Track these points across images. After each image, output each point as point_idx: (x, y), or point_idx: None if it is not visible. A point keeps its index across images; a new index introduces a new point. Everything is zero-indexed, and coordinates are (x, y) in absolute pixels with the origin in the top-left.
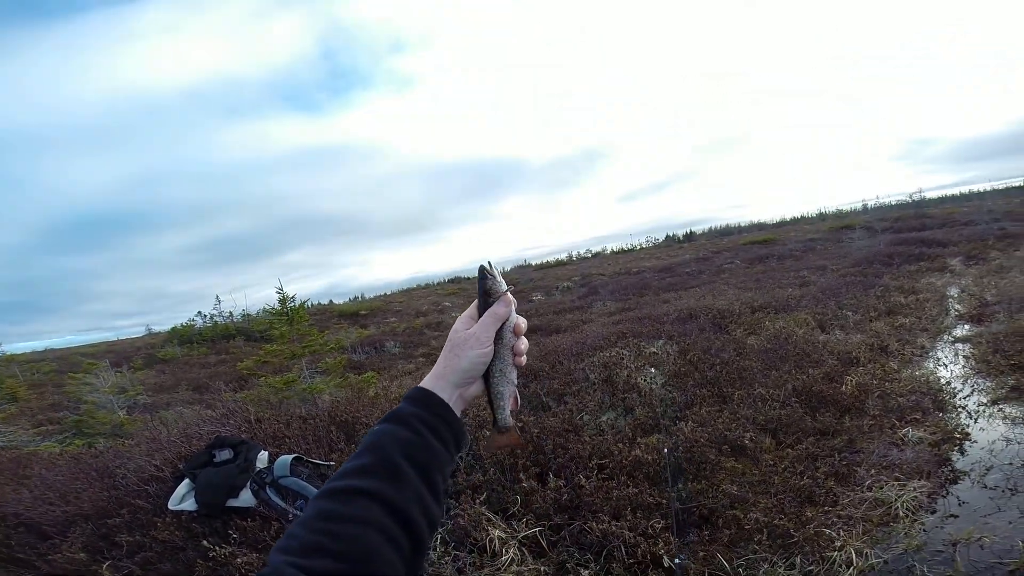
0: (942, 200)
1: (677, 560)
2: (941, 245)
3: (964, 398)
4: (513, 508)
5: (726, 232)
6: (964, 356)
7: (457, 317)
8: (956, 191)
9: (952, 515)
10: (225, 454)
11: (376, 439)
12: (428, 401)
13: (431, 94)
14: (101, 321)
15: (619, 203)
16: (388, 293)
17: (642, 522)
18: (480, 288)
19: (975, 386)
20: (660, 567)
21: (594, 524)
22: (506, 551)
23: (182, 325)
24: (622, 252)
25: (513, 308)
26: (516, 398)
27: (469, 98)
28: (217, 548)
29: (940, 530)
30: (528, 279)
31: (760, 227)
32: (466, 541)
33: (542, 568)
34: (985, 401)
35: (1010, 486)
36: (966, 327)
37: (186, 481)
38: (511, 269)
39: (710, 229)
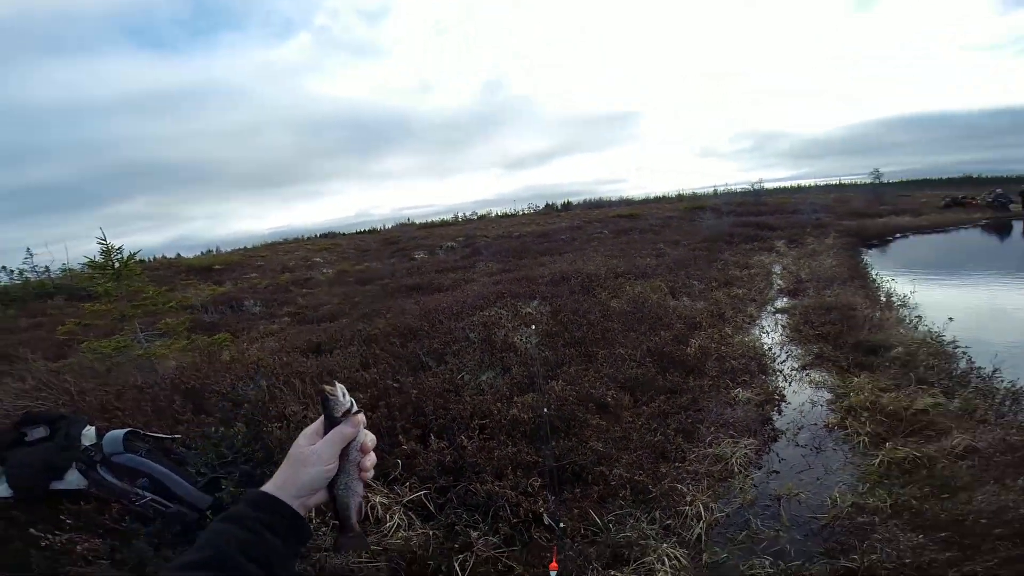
0: (777, 191)
1: (561, 524)
2: (771, 229)
3: (781, 363)
4: (394, 472)
5: (598, 205)
6: (782, 325)
7: (327, 274)
8: (790, 183)
9: (774, 471)
10: (39, 432)
11: (213, 537)
12: (265, 504)
13: (317, 43)
14: None
15: (507, 169)
16: (249, 247)
17: (523, 481)
18: (325, 412)
19: (789, 352)
20: (541, 524)
21: (479, 485)
22: (391, 517)
23: None
24: (505, 216)
25: (361, 428)
26: (361, 507)
27: (355, 45)
28: (50, 536)
29: (766, 485)
30: (411, 237)
31: (628, 203)
32: None
33: (431, 532)
34: (796, 366)
35: (816, 445)
36: (785, 300)
37: None
38: (392, 227)
39: (585, 201)
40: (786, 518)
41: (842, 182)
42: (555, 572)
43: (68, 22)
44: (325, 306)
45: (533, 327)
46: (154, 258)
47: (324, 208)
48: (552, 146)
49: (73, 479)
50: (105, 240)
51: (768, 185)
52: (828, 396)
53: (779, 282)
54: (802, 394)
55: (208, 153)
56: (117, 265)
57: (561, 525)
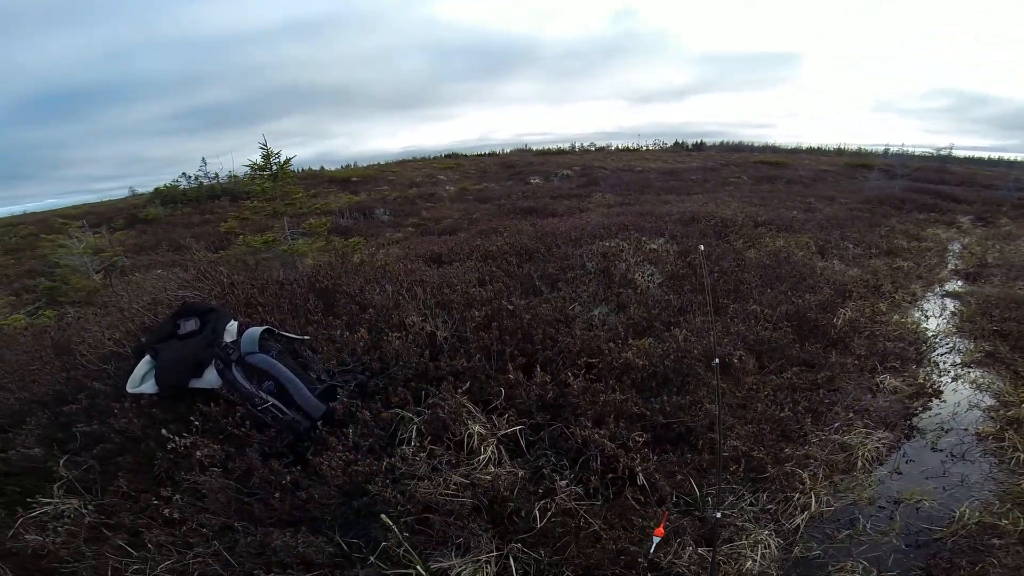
0: (969, 160)
1: (718, 514)
2: (955, 201)
3: (941, 356)
4: (496, 401)
5: (738, 148)
6: (951, 312)
7: (449, 191)
8: (990, 155)
9: (898, 471)
10: (191, 324)
11: None
12: None
13: None
14: (81, 184)
15: (633, 103)
16: (383, 163)
17: (623, 432)
18: None
19: (953, 345)
20: (635, 484)
21: (576, 429)
22: (485, 449)
23: (166, 186)
24: (627, 150)
25: None
26: None
27: None
28: (177, 438)
29: (887, 485)
30: (528, 163)
31: (775, 150)
32: (443, 435)
33: (519, 471)
34: (959, 362)
35: (959, 453)
36: (959, 283)
37: (147, 358)
38: (510, 151)
39: (722, 143)
40: (898, 524)
41: None
42: (658, 538)
43: None
44: (447, 220)
45: (652, 267)
46: (301, 169)
47: (449, 130)
48: (688, 83)
49: (210, 378)
50: (266, 145)
51: (960, 153)
52: (990, 402)
53: (955, 262)
54: (960, 394)
55: (350, 76)
56: (275, 168)
57: (718, 515)
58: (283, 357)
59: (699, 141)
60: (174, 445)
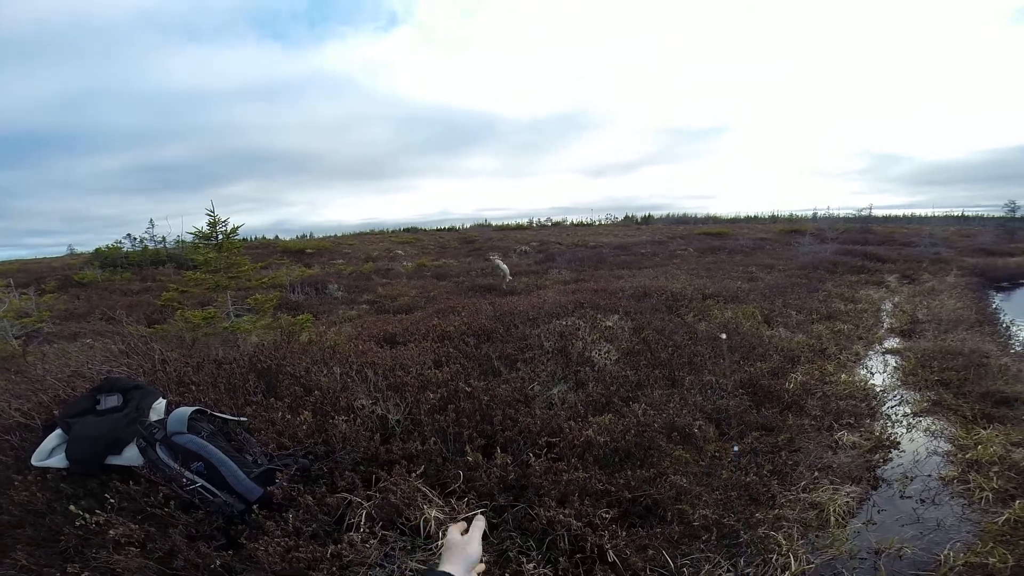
0: (887, 219)
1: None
2: (881, 261)
3: (892, 408)
4: (454, 484)
5: (683, 220)
6: (894, 367)
7: (407, 266)
8: (904, 212)
9: (872, 522)
10: (113, 400)
11: None
12: None
13: (416, 37)
14: (15, 238)
15: (586, 177)
16: (340, 235)
17: (589, 510)
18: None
19: (901, 397)
20: (605, 562)
21: (540, 510)
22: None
23: (108, 247)
24: (581, 225)
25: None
26: None
27: (453, 43)
28: (88, 515)
29: (864, 536)
30: (487, 238)
31: (715, 220)
32: (397, 521)
33: (483, 556)
34: (909, 412)
35: (929, 498)
36: (896, 340)
37: (58, 432)
38: (470, 226)
39: (668, 215)
40: (884, 573)
41: (966, 214)
42: None
43: (204, 12)
44: (403, 297)
45: (608, 345)
46: (254, 238)
47: (409, 203)
48: (637, 156)
49: (131, 455)
50: (213, 212)
51: (878, 212)
52: (947, 447)
53: (890, 320)
54: (916, 442)
55: (310, 143)
56: (220, 237)
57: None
58: (215, 439)
59: (647, 215)
60: (84, 522)
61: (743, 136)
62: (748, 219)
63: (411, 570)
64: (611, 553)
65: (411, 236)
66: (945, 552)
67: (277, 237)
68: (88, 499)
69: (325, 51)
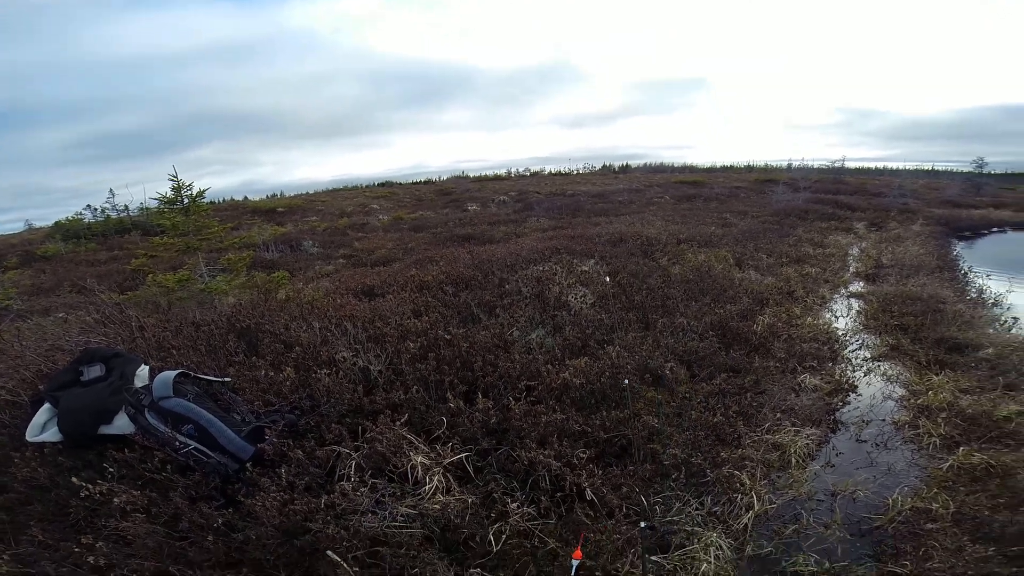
0: (859, 171)
1: (643, 524)
2: (851, 209)
3: (853, 352)
4: (438, 431)
5: (660, 170)
6: (856, 311)
7: (383, 220)
8: (876, 165)
9: (831, 464)
10: (95, 370)
11: None
12: None
13: None
14: None
15: (565, 128)
16: (312, 193)
17: (568, 451)
18: None
19: (862, 341)
20: (584, 500)
21: (522, 452)
22: (430, 479)
23: (68, 219)
24: (559, 175)
25: None
26: None
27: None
28: (91, 485)
29: (823, 479)
30: (464, 189)
31: (692, 170)
32: (385, 468)
33: (469, 498)
34: (869, 357)
35: (882, 442)
36: (861, 284)
37: (46, 406)
38: (447, 179)
39: (645, 164)
40: (839, 516)
41: (936, 168)
42: (577, 561)
43: None
44: (380, 250)
45: (584, 289)
46: (223, 200)
47: (382, 158)
48: (614, 108)
49: (122, 423)
50: (176, 177)
51: (851, 164)
52: (901, 392)
53: (856, 265)
54: (873, 387)
55: (277, 102)
56: (187, 200)
57: (643, 525)
58: (202, 400)
59: (625, 164)
60: (88, 492)
61: (721, 89)
62: (724, 169)
63: (401, 515)
64: (589, 492)
65: (386, 190)
66: (894, 496)
67: (246, 198)
68: (88, 471)
69: (289, 8)
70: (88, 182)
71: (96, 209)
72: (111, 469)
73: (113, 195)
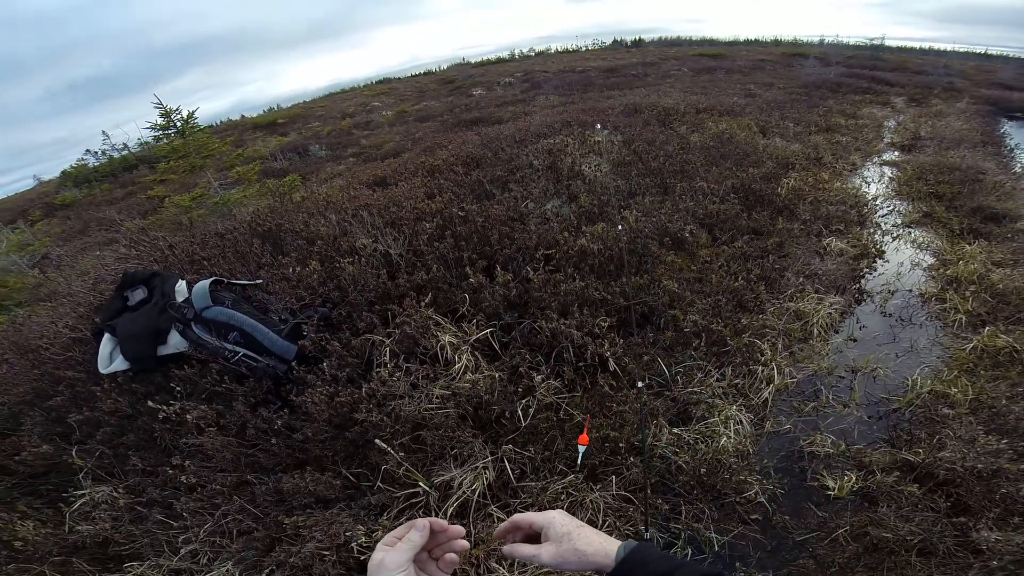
0: (901, 50)
1: (640, 384)
2: (889, 84)
3: (882, 218)
4: (462, 308)
5: (676, 43)
6: (889, 178)
7: (387, 115)
8: (921, 45)
9: (853, 339)
10: (139, 293)
11: None
12: None
13: None
14: None
15: (571, 3)
16: (309, 101)
17: (589, 320)
18: None
19: (893, 207)
20: (607, 370)
21: (543, 323)
22: (459, 357)
23: (72, 167)
24: (567, 52)
25: (427, 532)
26: None
27: None
28: (165, 407)
29: (844, 354)
30: (467, 76)
31: (712, 43)
32: (416, 350)
33: (496, 374)
34: (899, 223)
35: (905, 316)
36: (895, 154)
37: (107, 336)
38: (448, 67)
39: (660, 38)
40: (858, 394)
41: (989, 52)
42: (584, 447)
43: None
44: (388, 144)
45: (598, 158)
46: (220, 122)
47: (376, 57)
48: None
49: (176, 341)
50: (161, 103)
51: (892, 43)
52: (931, 261)
53: (891, 136)
54: (902, 254)
55: (246, 17)
56: (179, 124)
57: (640, 385)
58: (239, 305)
59: (637, 38)
60: (165, 414)
61: None
62: (747, 43)
63: (436, 397)
64: (611, 362)
65: (386, 87)
66: (914, 377)
67: (243, 116)
68: (160, 393)
69: None
70: (77, 129)
71: (97, 152)
72: (178, 388)
73: (107, 137)
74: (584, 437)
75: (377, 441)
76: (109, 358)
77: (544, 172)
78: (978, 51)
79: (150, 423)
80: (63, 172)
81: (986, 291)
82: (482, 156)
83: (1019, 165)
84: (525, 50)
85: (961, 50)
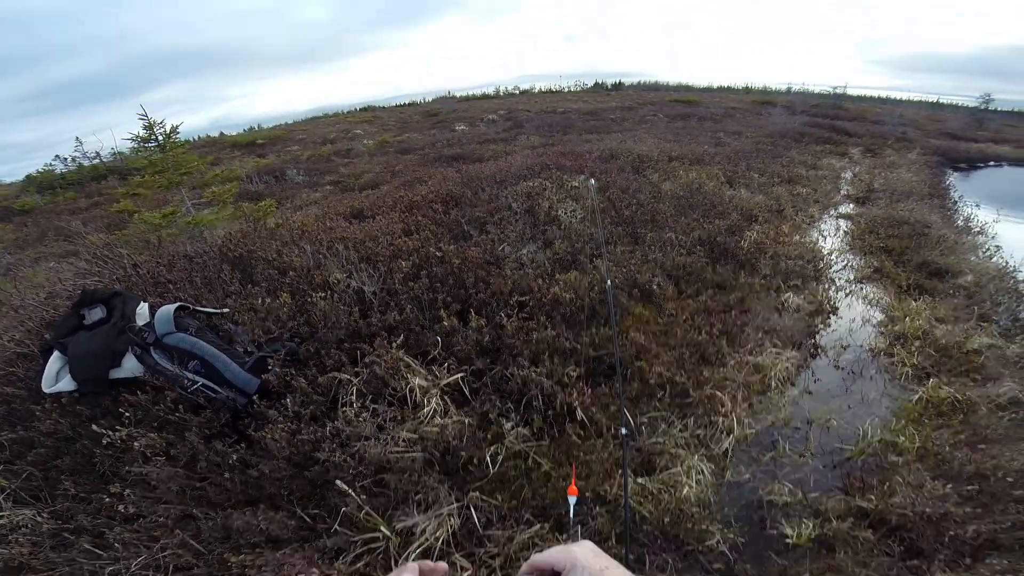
0: (861, 99)
1: (624, 431)
2: (848, 134)
3: (837, 272)
4: (434, 351)
5: (654, 88)
6: (844, 231)
7: (368, 144)
8: (880, 94)
9: (809, 391)
10: (97, 313)
11: None
12: None
13: None
14: None
15: (557, 43)
16: (290, 123)
17: (559, 368)
18: None
19: (847, 262)
20: (574, 420)
21: (515, 370)
22: (428, 401)
23: (38, 171)
24: (550, 93)
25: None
26: None
27: None
28: (111, 432)
29: (800, 405)
30: (451, 110)
31: (687, 88)
32: (384, 392)
33: (466, 420)
34: (852, 278)
35: (856, 369)
36: (851, 206)
37: (56, 354)
38: (432, 100)
39: (639, 83)
40: (813, 444)
41: (941, 101)
42: (575, 498)
43: None
44: (367, 174)
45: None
46: (197, 137)
47: (360, 84)
48: (609, 22)
49: (131, 365)
50: (146, 115)
51: (853, 91)
52: (880, 316)
53: (848, 188)
54: (854, 309)
55: (236, 33)
56: (160, 138)
57: (624, 432)
58: (203, 334)
59: (618, 81)
60: (109, 440)
61: (731, 8)
62: (721, 89)
63: (403, 440)
64: (579, 411)
65: (369, 115)
66: (865, 426)
67: (222, 134)
68: (106, 418)
69: None
70: (48, 133)
71: (66, 159)
72: (127, 414)
73: (80, 143)
74: (573, 487)
75: (338, 482)
76: (55, 377)
77: (522, 216)
78: (931, 100)
79: (91, 447)
80: (27, 176)
81: (930, 346)
82: (462, 195)
83: (961, 218)
84: (510, 87)
85: (916, 99)
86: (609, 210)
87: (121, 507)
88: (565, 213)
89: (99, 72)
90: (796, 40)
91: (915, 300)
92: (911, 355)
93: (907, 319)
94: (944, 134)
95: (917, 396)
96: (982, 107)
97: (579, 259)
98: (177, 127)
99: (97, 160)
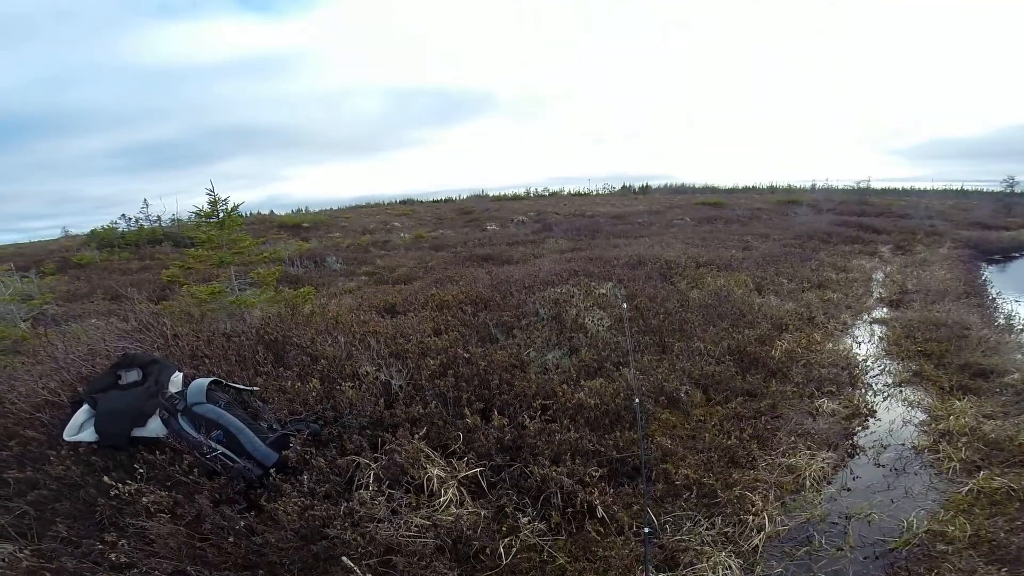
0: (885, 191)
1: (647, 529)
2: (876, 232)
3: (874, 377)
4: (454, 445)
5: (680, 190)
6: (879, 337)
7: (404, 238)
8: (903, 185)
9: (847, 488)
10: (133, 375)
11: None
12: None
13: (408, 8)
14: (8, 223)
15: (586, 145)
16: (335, 209)
17: (580, 469)
18: None
19: (883, 367)
20: (594, 517)
21: (535, 468)
22: (445, 491)
23: (103, 227)
24: (579, 195)
25: None
26: None
27: (447, 17)
28: (120, 485)
29: (837, 502)
30: (484, 209)
31: (713, 190)
32: (402, 479)
33: (481, 511)
34: (890, 382)
35: (900, 467)
36: (884, 310)
37: (85, 407)
38: (467, 197)
39: (666, 185)
40: (852, 538)
41: (965, 188)
42: None
43: None
44: (401, 268)
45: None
46: (249, 214)
47: (404, 176)
48: (638, 126)
49: (155, 427)
50: (213, 191)
51: (876, 184)
52: (922, 417)
53: (880, 290)
54: (893, 412)
55: (301, 116)
56: (222, 215)
57: (647, 531)
58: (232, 408)
59: (645, 184)
60: (117, 492)
61: (754, 108)
62: (746, 189)
63: (416, 525)
64: (600, 509)
65: (407, 208)
66: (910, 519)
67: (272, 212)
68: (119, 471)
69: (310, 18)
70: (120, 191)
71: (130, 219)
72: (141, 470)
73: (147, 205)
74: None
75: (344, 559)
76: (79, 427)
77: (549, 322)
78: (955, 187)
79: (95, 496)
80: (92, 231)
81: (979, 440)
82: (491, 298)
83: (1001, 316)
84: (540, 188)
85: (939, 187)
86: (637, 319)
87: (112, 555)
88: (592, 321)
89: (174, 138)
90: (814, 136)
91: (959, 400)
92: (958, 450)
93: (952, 417)
94: (973, 223)
95: (968, 487)
96: (1007, 191)
97: (605, 366)
98: (238, 206)
99: (157, 224)
